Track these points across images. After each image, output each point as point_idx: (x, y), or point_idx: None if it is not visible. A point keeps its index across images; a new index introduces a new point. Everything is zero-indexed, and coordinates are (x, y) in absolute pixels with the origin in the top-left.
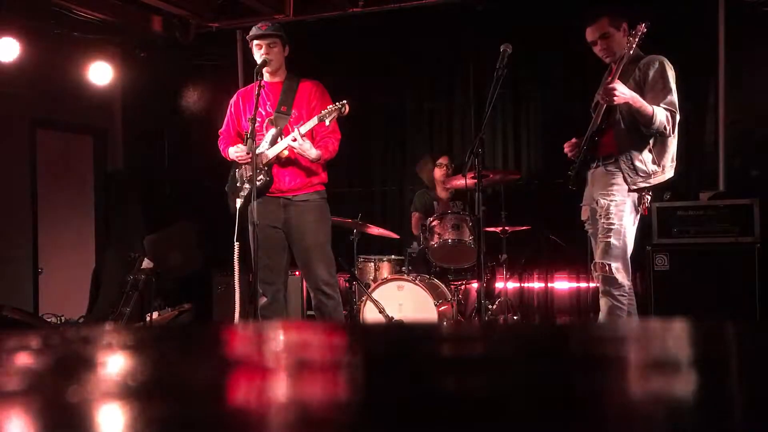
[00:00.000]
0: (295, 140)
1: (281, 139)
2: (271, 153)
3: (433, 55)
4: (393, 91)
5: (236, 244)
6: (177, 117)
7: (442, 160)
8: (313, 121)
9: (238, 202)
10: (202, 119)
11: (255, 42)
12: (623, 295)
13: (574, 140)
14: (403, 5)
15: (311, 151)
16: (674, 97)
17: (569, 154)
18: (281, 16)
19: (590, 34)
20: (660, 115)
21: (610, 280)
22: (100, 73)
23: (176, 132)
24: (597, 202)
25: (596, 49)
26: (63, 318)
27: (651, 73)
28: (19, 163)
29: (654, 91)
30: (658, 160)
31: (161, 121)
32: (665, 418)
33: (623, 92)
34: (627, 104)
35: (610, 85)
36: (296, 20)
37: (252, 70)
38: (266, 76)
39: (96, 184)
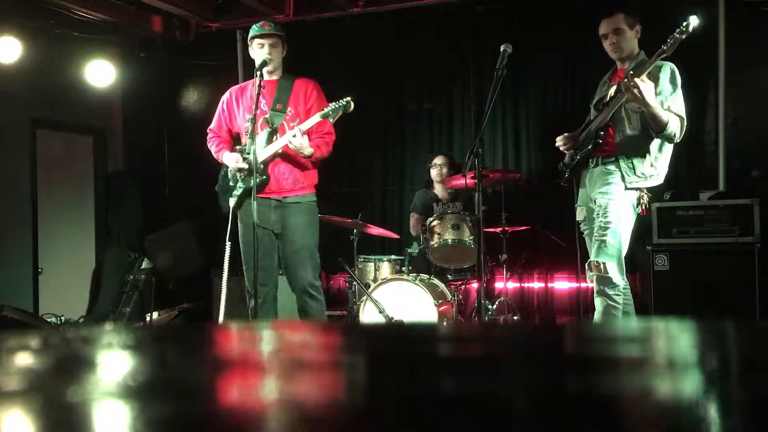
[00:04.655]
0: (294, 136)
1: (278, 137)
2: (269, 151)
3: (433, 55)
4: (393, 91)
5: (228, 244)
6: (177, 117)
7: (437, 160)
8: (316, 118)
9: (232, 202)
10: (202, 119)
11: (257, 41)
12: (618, 295)
13: (566, 134)
14: (403, 5)
15: (307, 149)
16: (683, 104)
17: (562, 148)
18: (281, 16)
19: (603, 27)
20: (673, 123)
21: (604, 280)
22: (100, 73)
23: (176, 132)
24: (595, 201)
25: (606, 43)
26: (63, 318)
27: (662, 78)
28: (19, 163)
29: (663, 96)
30: (656, 164)
31: (161, 121)
32: (664, 419)
33: (646, 93)
34: (644, 105)
35: (639, 80)
36: (296, 20)
37: (252, 70)
38: (264, 75)
39: (96, 184)
